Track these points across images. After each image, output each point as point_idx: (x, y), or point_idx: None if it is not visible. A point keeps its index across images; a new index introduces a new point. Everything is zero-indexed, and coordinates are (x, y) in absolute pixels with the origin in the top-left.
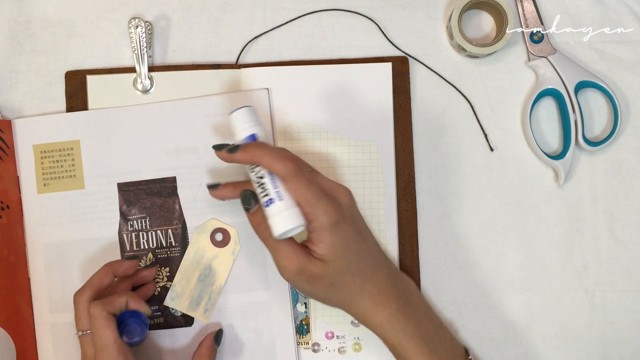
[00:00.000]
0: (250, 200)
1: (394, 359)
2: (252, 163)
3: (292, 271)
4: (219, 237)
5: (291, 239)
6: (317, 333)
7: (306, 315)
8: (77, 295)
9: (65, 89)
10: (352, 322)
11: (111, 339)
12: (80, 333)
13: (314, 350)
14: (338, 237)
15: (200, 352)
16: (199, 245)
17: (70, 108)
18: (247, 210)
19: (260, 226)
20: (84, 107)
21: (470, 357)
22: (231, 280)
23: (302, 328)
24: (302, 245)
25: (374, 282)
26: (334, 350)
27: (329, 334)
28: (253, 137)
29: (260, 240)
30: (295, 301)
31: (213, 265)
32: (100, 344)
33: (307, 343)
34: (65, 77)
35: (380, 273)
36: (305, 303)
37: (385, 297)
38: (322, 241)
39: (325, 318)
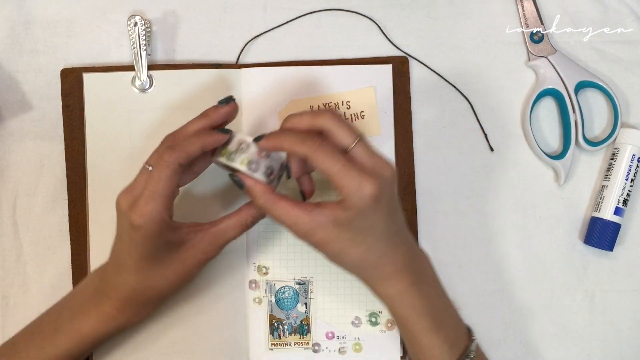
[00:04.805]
0: (240, 183)
1: (394, 358)
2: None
3: (304, 236)
4: None
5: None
6: (317, 333)
7: (306, 316)
8: (171, 150)
9: (61, 87)
10: (352, 323)
11: (165, 188)
12: (148, 167)
13: (314, 351)
14: (366, 216)
15: (249, 208)
16: None
17: (65, 106)
18: (240, 188)
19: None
20: (80, 105)
21: (473, 337)
22: None
23: (302, 328)
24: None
25: (391, 260)
26: (335, 351)
27: (330, 334)
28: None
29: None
30: (295, 301)
31: None
32: (149, 192)
33: (308, 343)
34: (60, 75)
35: (399, 252)
36: (305, 303)
37: (399, 273)
38: (347, 211)
39: (326, 318)
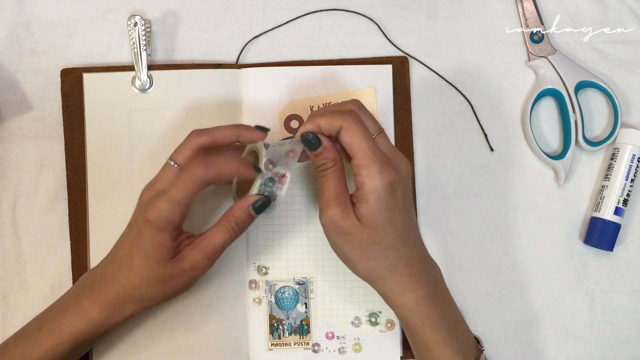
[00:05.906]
0: (313, 141)
1: (394, 358)
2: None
3: (326, 217)
4: (294, 124)
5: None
6: (317, 333)
7: (306, 316)
8: (195, 134)
9: (61, 87)
10: (352, 323)
11: (186, 198)
12: (171, 163)
13: (314, 351)
14: (385, 205)
15: (231, 210)
16: None
17: (65, 106)
18: (313, 148)
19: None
20: (80, 105)
21: (483, 348)
22: None
23: (302, 328)
24: (350, 197)
25: (407, 263)
26: (334, 351)
27: (329, 334)
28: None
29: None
30: (295, 301)
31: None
32: (176, 192)
33: (307, 343)
34: (60, 75)
35: (414, 255)
36: (305, 303)
37: (415, 279)
38: (367, 202)
39: (326, 318)
